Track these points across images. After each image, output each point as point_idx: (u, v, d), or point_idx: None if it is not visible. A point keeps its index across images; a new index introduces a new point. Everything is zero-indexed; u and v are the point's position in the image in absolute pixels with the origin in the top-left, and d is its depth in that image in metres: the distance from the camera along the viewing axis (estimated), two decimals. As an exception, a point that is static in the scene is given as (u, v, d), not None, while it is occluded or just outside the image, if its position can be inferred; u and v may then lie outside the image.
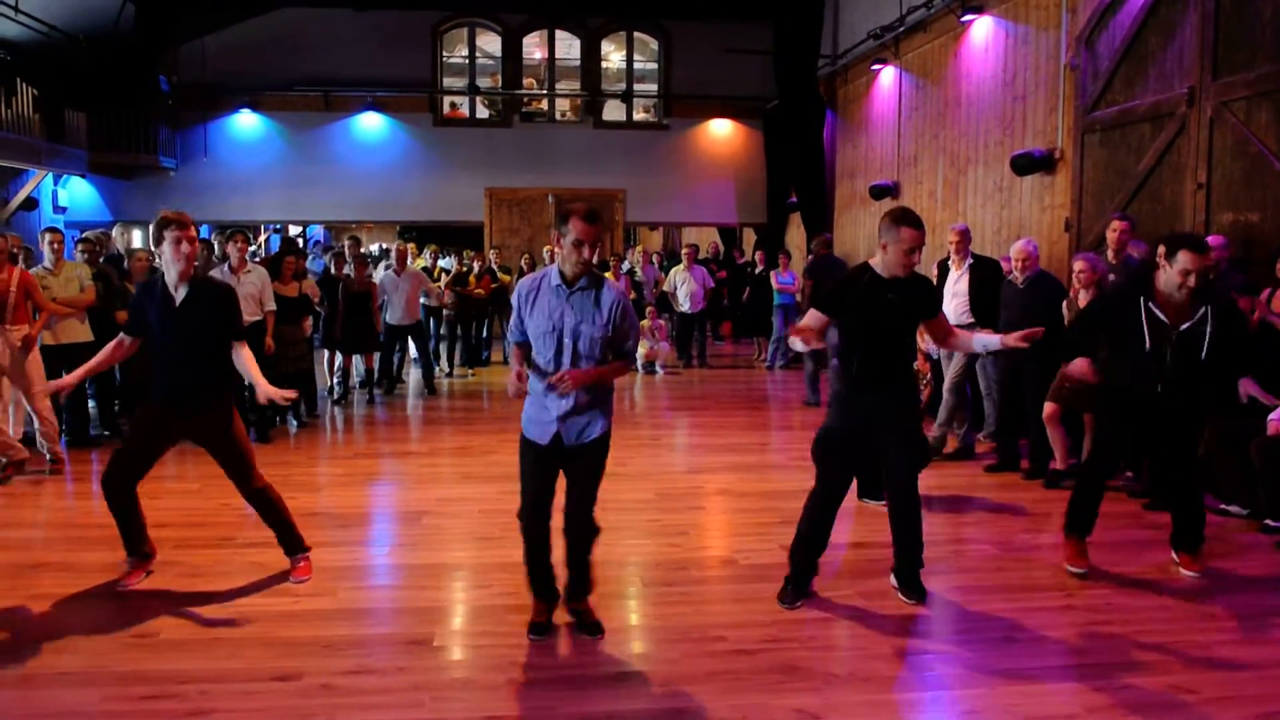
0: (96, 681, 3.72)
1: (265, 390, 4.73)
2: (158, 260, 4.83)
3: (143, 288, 4.89)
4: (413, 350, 12.67)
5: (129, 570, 4.85)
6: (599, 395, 4.05)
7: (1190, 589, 4.76)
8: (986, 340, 4.65)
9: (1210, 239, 6.57)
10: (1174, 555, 5.10)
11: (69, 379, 4.91)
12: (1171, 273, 4.60)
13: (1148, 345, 4.65)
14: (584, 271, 3.92)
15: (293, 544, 4.98)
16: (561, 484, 4.13)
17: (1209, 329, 4.64)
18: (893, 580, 4.74)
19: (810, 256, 12.51)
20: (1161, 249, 4.75)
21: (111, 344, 4.91)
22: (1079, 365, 4.96)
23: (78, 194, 16.70)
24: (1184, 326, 4.64)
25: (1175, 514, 5.09)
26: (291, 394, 4.80)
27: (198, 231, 4.70)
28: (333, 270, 10.35)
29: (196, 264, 4.75)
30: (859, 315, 4.34)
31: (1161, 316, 4.66)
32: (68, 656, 3.95)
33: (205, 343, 4.71)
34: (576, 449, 4.02)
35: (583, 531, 4.13)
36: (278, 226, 21.63)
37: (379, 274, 11.35)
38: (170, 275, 4.65)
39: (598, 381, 3.98)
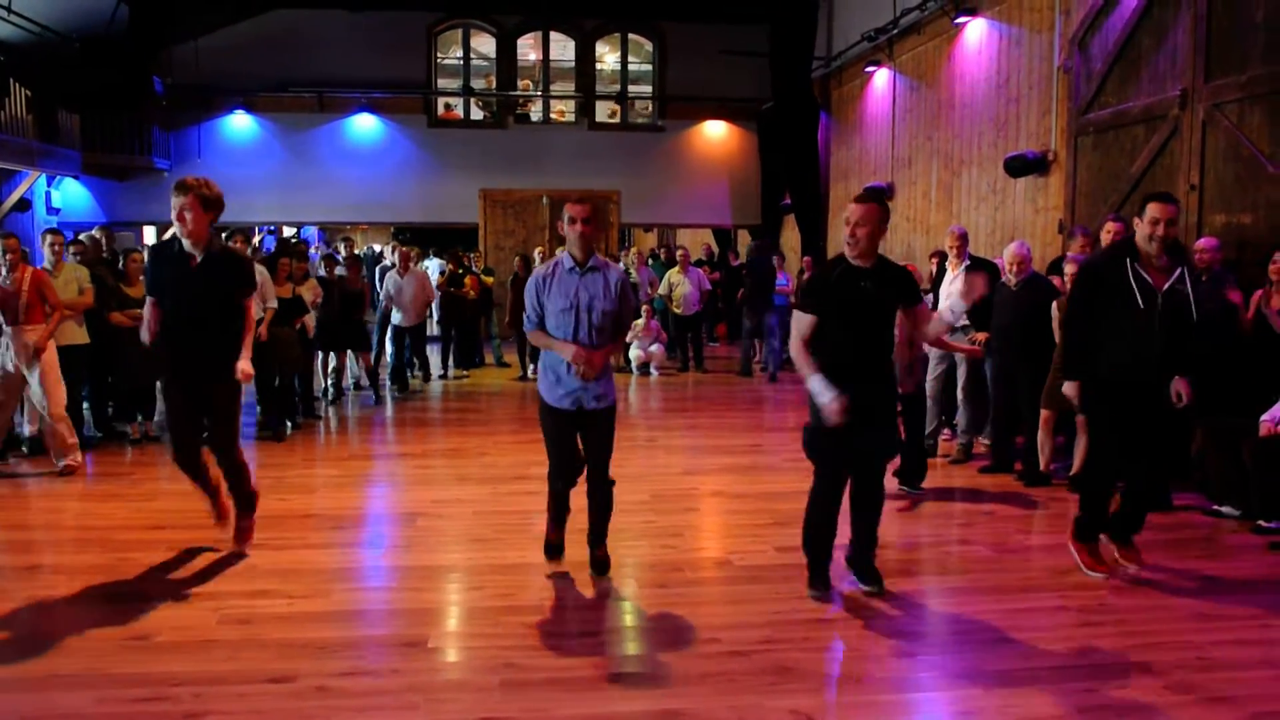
0: (91, 684, 3.71)
1: (243, 362, 4.92)
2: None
3: (157, 249, 5.11)
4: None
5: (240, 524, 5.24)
6: (608, 371, 4.73)
7: (1184, 590, 4.77)
8: (953, 305, 4.89)
9: (1203, 241, 6.61)
10: (1115, 550, 5.06)
11: (152, 327, 5.00)
12: (1143, 225, 4.72)
13: (1141, 303, 4.67)
14: (589, 251, 4.58)
15: (248, 503, 5.27)
16: None
17: (1189, 289, 4.71)
18: (848, 571, 4.78)
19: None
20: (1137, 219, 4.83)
21: (149, 308, 4.99)
22: (1071, 389, 4.99)
23: (71, 195, 16.66)
24: (1167, 286, 4.70)
25: (1128, 504, 5.01)
26: (248, 371, 4.96)
27: (207, 196, 4.78)
28: (323, 272, 10.40)
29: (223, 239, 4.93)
30: (833, 306, 4.38)
31: (1148, 278, 4.71)
32: (62, 659, 3.93)
33: (219, 306, 4.86)
34: (593, 413, 4.67)
35: (603, 484, 4.82)
36: (271, 228, 21.59)
37: (387, 279, 11.40)
38: (184, 241, 4.81)
39: (610, 356, 4.70)
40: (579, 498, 4.96)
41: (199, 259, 4.81)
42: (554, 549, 5.02)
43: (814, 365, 4.39)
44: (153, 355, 5.21)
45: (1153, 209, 4.70)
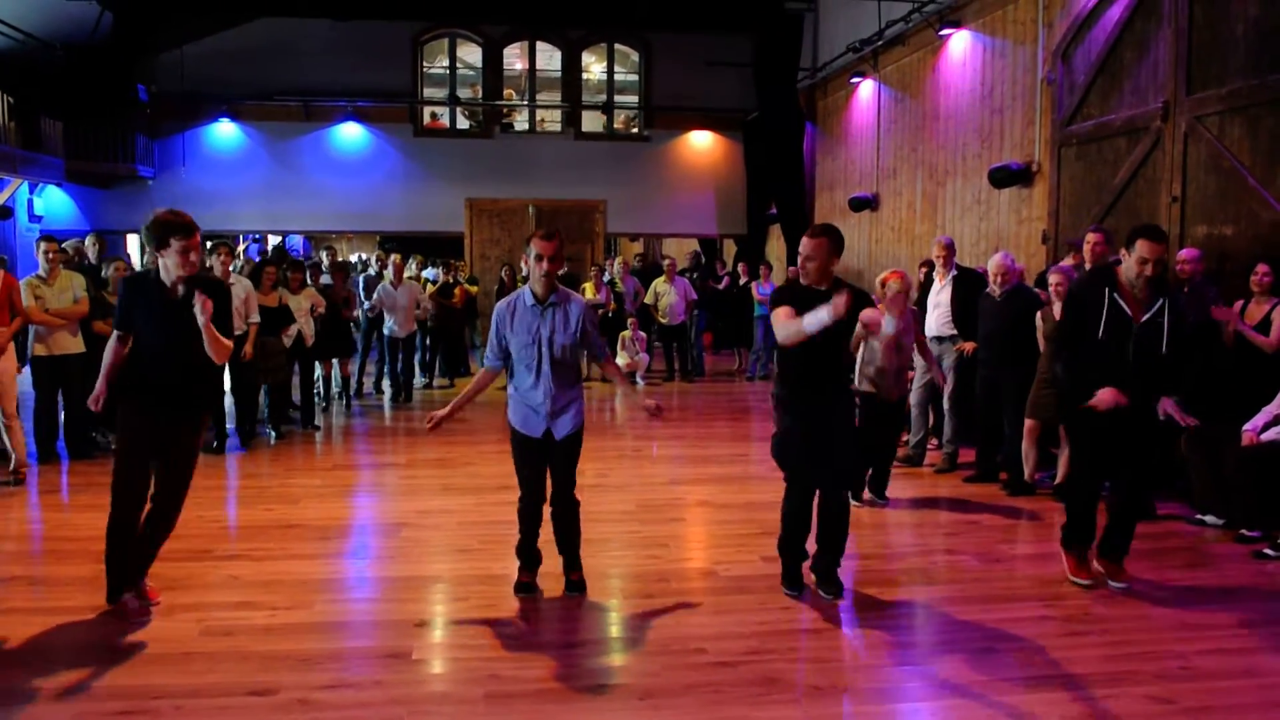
0: (69, 697, 3.67)
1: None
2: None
3: (132, 282, 4.67)
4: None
5: (141, 601, 4.63)
6: (575, 396, 4.72)
7: (1168, 599, 4.78)
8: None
9: (1184, 252, 6.65)
10: (1097, 564, 5.04)
11: (97, 395, 4.66)
12: (1130, 261, 4.69)
13: (1112, 333, 4.68)
14: (552, 287, 4.59)
15: (142, 571, 4.68)
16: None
17: (1165, 321, 4.69)
18: (810, 576, 4.87)
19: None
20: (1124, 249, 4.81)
21: (113, 344, 4.63)
22: (1108, 395, 4.67)
23: (54, 203, 16.57)
24: (1144, 318, 4.70)
25: (1112, 520, 5.01)
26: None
27: (201, 236, 4.55)
28: (308, 281, 10.39)
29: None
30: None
31: (1125, 308, 4.70)
32: (40, 672, 3.88)
33: (200, 342, 4.51)
34: (560, 441, 4.67)
35: (569, 506, 4.80)
36: (256, 237, 21.51)
37: (378, 287, 11.38)
38: (168, 275, 4.48)
39: (633, 389, 4.89)
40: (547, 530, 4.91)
41: (181, 290, 4.46)
42: (526, 588, 4.84)
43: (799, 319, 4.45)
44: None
45: (1142, 247, 4.62)
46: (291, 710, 3.58)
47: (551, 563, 4.98)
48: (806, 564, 4.90)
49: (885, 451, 6.67)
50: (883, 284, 6.55)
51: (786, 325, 4.48)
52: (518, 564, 4.90)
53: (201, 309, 4.36)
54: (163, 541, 4.71)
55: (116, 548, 4.55)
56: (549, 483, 4.77)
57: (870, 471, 6.59)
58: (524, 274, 13.04)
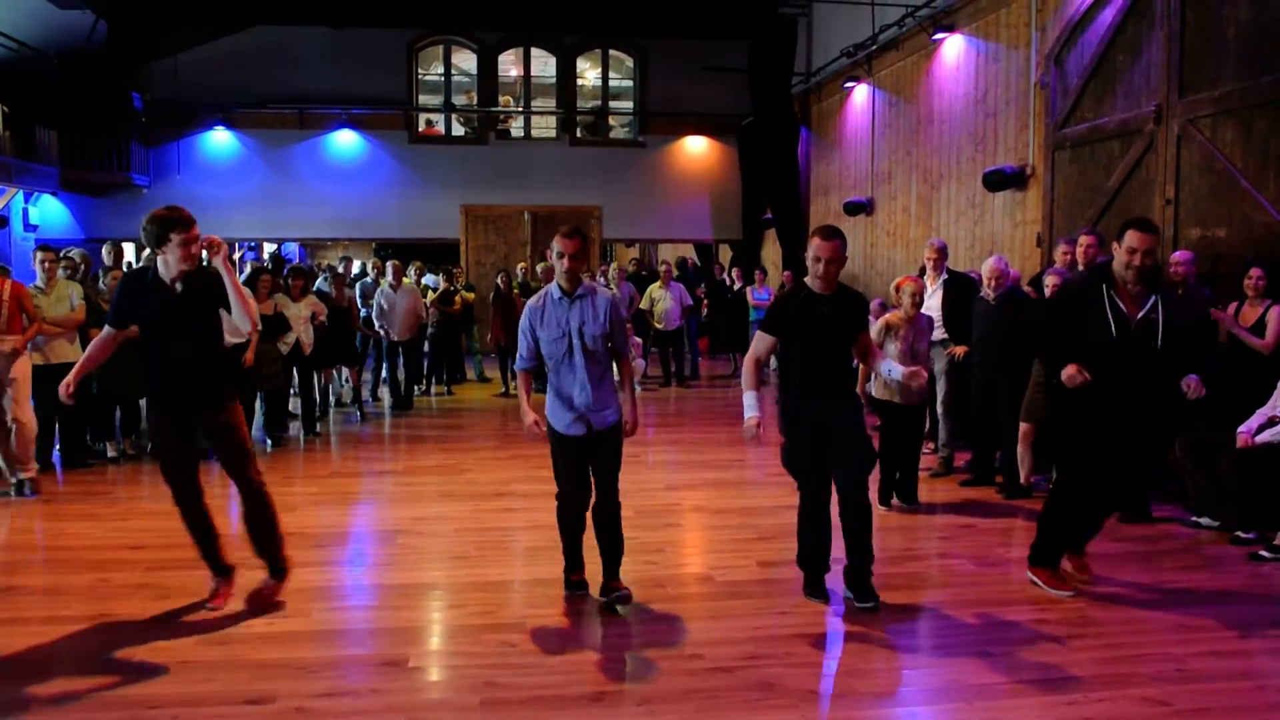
0: (67, 707, 3.66)
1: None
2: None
3: (131, 280, 4.71)
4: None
5: (215, 591, 4.76)
6: (610, 390, 4.72)
7: (1163, 601, 4.79)
8: (891, 367, 4.93)
9: (1177, 254, 6.67)
10: (1065, 562, 5.04)
11: (69, 381, 4.64)
12: (1120, 252, 4.66)
13: (1114, 332, 4.65)
14: (576, 281, 4.65)
15: (276, 561, 4.85)
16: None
17: (1160, 317, 4.67)
18: (844, 589, 4.78)
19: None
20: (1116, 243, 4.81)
21: (98, 339, 4.69)
22: (1070, 371, 4.69)
23: (49, 212, 16.53)
24: (1139, 315, 4.67)
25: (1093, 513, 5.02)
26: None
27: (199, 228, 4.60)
28: (331, 290, 10.48)
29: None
30: (796, 328, 4.67)
31: (1122, 307, 4.68)
32: (37, 681, 3.88)
33: (208, 332, 4.64)
34: (601, 434, 4.68)
35: (611, 507, 4.76)
36: (251, 245, 21.50)
37: (378, 291, 11.39)
38: (168, 271, 4.51)
39: (633, 401, 4.83)
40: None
41: (180, 286, 4.53)
42: (577, 585, 4.88)
43: (754, 383, 4.77)
44: (135, 369, 4.95)
45: (1131, 237, 4.60)
46: (288, 718, 3.58)
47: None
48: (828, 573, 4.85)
49: (907, 458, 6.67)
50: (897, 289, 6.62)
51: (749, 372, 4.79)
52: (563, 565, 4.91)
53: (215, 248, 4.55)
54: (269, 532, 4.86)
55: (196, 539, 4.79)
56: (592, 484, 4.74)
57: (897, 477, 6.63)
58: (527, 270, 13.27)
